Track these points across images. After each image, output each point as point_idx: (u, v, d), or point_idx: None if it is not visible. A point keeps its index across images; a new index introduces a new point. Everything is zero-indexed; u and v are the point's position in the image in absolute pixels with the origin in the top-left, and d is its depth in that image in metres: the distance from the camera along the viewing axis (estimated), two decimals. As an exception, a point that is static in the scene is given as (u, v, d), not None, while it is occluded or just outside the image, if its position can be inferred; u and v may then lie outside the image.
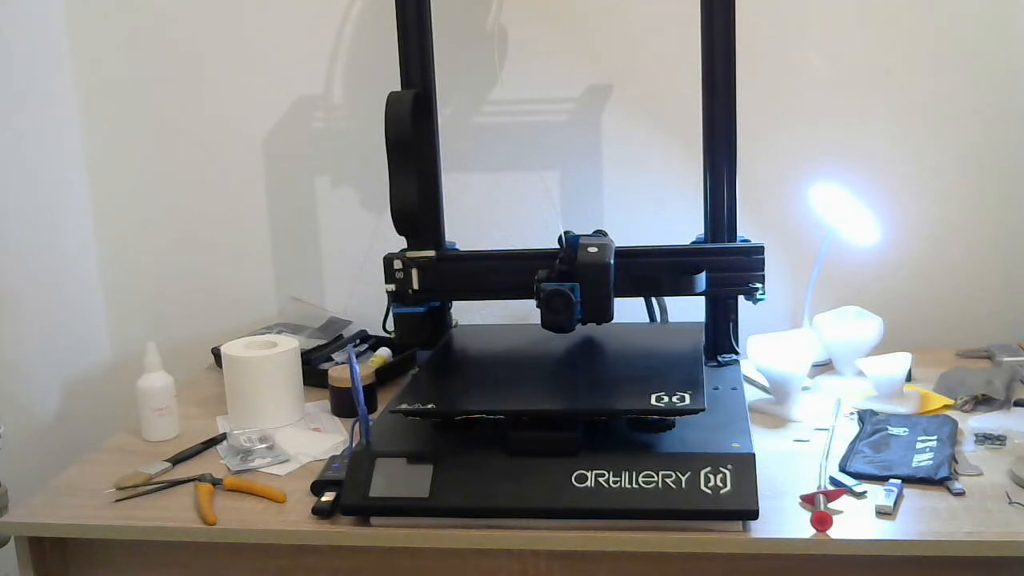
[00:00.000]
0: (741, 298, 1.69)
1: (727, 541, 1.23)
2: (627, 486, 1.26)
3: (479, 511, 1.28)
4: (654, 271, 1.62)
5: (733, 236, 1.67)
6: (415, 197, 1.60)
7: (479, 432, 1.38)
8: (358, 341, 1.98)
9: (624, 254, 1.54)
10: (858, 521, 1.25)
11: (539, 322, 1.49)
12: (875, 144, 1.88)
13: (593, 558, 1.29)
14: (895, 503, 1.26)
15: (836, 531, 1.22)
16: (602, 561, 1.29)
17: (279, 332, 1.91)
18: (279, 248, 2.10)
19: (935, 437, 1.44)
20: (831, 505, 1.26)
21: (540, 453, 1.30)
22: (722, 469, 1.25)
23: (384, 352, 1.88)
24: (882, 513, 1.25)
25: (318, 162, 2.04)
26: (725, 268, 1.62)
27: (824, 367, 1.77)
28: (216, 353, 1.94)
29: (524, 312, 1.80)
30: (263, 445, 1.53)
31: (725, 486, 1.24)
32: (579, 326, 1.49)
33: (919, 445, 1.42)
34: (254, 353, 1.66)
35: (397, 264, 1.67)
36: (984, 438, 1.45)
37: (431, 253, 1.67)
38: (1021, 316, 1.91)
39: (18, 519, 1.38)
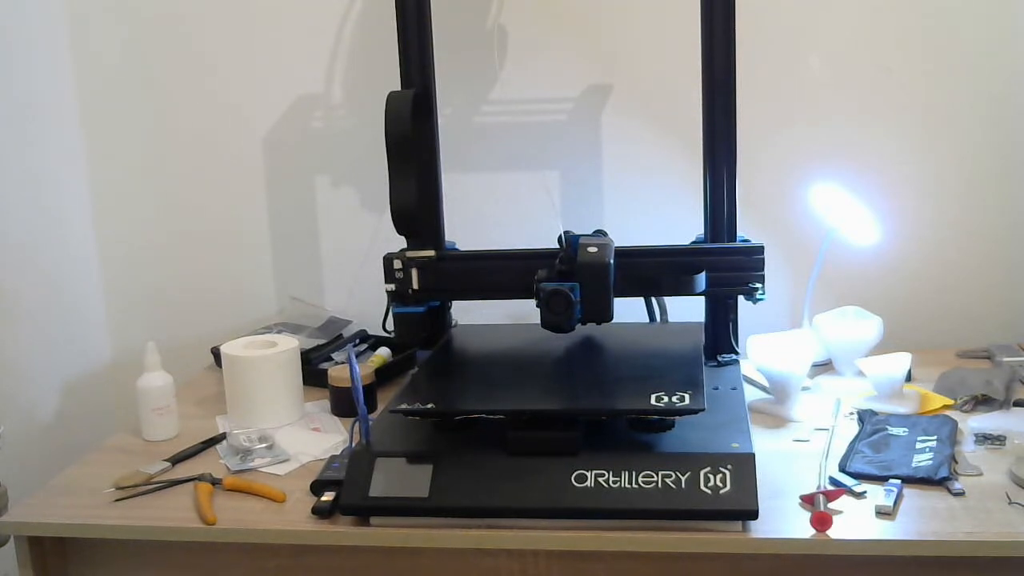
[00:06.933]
0: (741, 298, 1.69)
1: (727, 541, 1.23)
2: (627, 486, 1.26)
3: (479, 511, 1.28)
4: (654, 271, 1.62)
5: (733, 236, 1.67)
6: (415, 197, 1.60)
7: (479, 432, 1.38)
8: (358, 341, 1.98)
9: (624, 254, 1.54)
10: (858, 521, 1.24)
11: (539, 322, 1.49)
12: (875, 144, 1.88)
13: (593, 558, 1.29)
14: (895, 503, 1.26)
15: (836, 531, 1.22)
16: (602, 561, 1.29)
17: (279, 332, 1.91)
18: (279, 248, 2.10)
19: (935, 437, 1.44)
20: (831, 505, 1.26)
21: (540, 453, 1.30)
22: (722, 469, 1.25)
23: (384, 352, 1.88)
24: (882, 513, 1.25)
25: (318, 162, 2.04)
26: (725, 268, 1.62)
27: (824, 367, 1.77)
28: (216, 353, 1.94)
29: (524, 312, 1.79)
30: (263, 445, 1.53)
31: (725, 486, 1.24)
32: (579, 326, 1.49)
33: (919, 445, 1.42)
34: (254, 353, 1.66)
35: (397, 264, 1.67)
36: (984, 438, 1.45)
37: (431, 253, 1.67)
38: (1021, 316, 1.91)
39: (18, 519, 1.37)
